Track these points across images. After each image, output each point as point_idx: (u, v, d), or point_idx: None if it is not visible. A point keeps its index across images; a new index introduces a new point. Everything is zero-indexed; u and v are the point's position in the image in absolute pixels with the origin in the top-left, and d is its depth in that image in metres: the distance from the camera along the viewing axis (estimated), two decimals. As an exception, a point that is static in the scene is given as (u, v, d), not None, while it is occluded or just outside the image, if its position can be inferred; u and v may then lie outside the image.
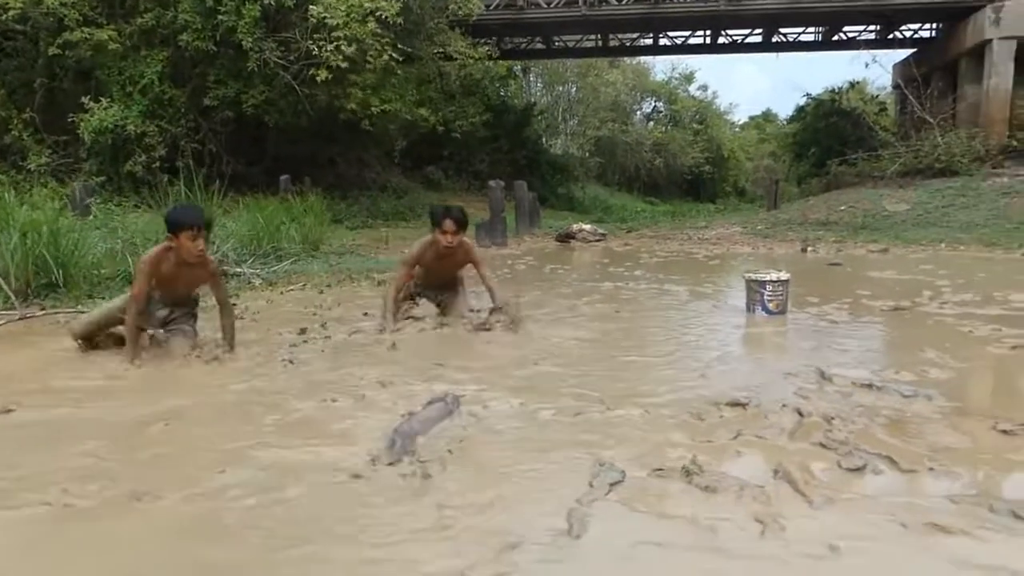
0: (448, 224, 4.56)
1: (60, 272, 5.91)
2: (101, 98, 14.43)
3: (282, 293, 6.68)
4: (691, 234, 14.45)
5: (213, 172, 15.90)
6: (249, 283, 7.22)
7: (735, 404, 2.95)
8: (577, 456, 2.45)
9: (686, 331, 4.75)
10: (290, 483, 2.24)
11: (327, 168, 18.35)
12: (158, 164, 14.65)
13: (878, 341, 4.31)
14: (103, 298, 6.04)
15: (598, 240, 13.51)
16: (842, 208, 14.90)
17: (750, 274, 5.34)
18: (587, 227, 13.87)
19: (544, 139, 32.82)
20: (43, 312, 5.11)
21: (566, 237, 13.66)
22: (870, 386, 3.19)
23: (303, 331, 4.70)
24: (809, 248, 10.83)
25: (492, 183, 13.70)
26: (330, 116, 16.27)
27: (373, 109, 15.60)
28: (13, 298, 5.10)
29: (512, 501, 2.12)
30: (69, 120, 14.47)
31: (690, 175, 38.18)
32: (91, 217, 10.41)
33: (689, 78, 41.18)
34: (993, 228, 12.11)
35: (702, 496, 2.13)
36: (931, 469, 2.27)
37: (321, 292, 6.78)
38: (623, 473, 2.27)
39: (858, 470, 2.27)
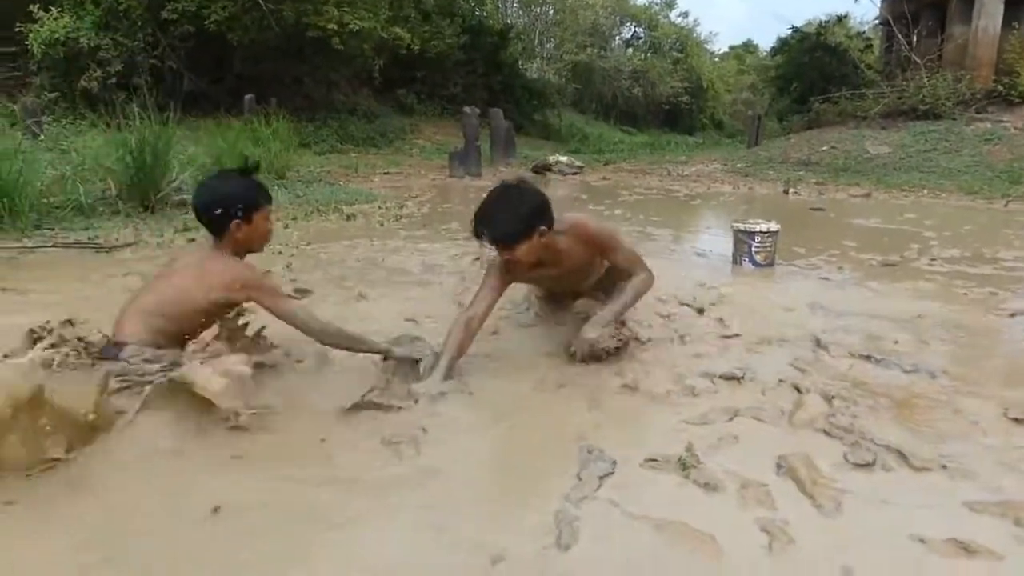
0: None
1: (4, 201, 5.49)
2: (51, 7, 13.50)
3: (244, 228, 6.30)
4: (670, 169, 14.14)
5: (173, 90, 15.15)
6: (210, 214, 6.82)
7: (729, 377, 2.77)
8: (561, 436, 2.24)
9: (670, 283, 4.53)
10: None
11: (294, 88, 17.56)
12: (114, 80, 13.86)
13: (871, 302, 4.11)
14: (51, 229, 5.68)
15: (574, 173, 13.19)
16: (824, 148, 14.66)
17: (738, 224, 5.11)
18: (563, 159, 13.51)
19: (520, 63, 31.88)
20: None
21: (542, 169, 13.31)
22: (868, 358, 3.01)
23: (266, 273, 4.40)
24: (792, 190, 10.63)
25: (467, 110, 13.20)
26: (298, 33, 15.48)
27: (352, 27, 14.90)
28: None
29: (491, 498, 1.91)
30: (16, 30, 13.55)
31: (668, 105, 37.46)
32: (40, 138, 9.86)
33: (671, 3, 39.98)
34: (975, 175, 11.98)
35: (701, 495, 1.94)
36: (944, 467, 2.09)
37: (286, 227, 6.43)
38: (614, 464, 2.07)
39: (867, 466, 2.09)
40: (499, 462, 2.10)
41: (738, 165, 14.27)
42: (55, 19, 13.28)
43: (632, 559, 1.67)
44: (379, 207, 7.89)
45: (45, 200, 6.05)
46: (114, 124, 6.89)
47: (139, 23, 14.37)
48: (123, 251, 5.11)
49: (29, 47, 13.39)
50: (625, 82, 35.79)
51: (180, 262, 2.65)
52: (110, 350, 2.33)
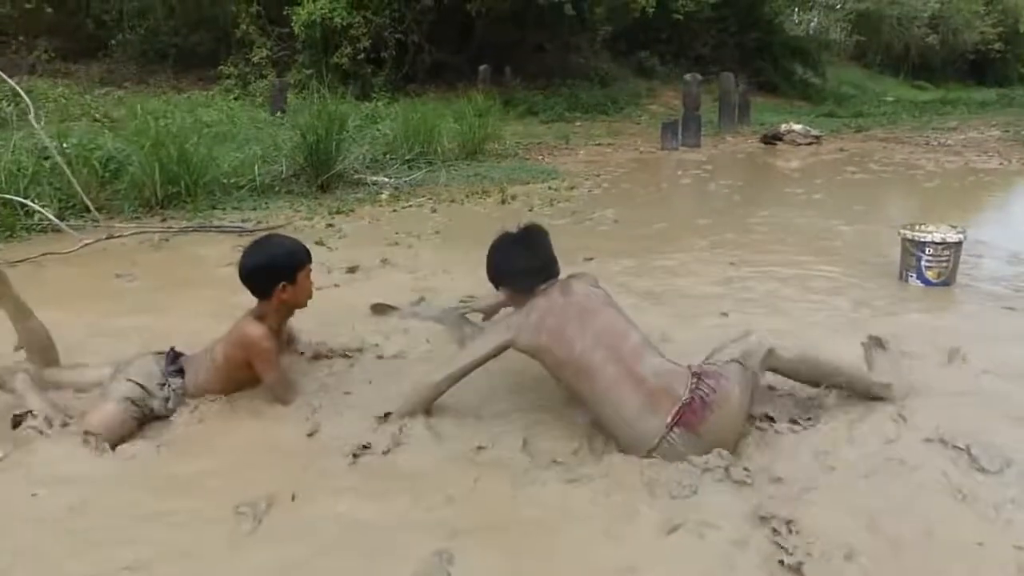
0: None
1: (184, 184, 6.08)
2: (313, -10, 14.82)
3: (395, 211, 6.40)
4: (931, 137, 12.00)
5: (416, 62, 16.01)
6: (379, 195, 7.02)
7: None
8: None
9: (793, 304, 3.72)
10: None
11: (532, 55, 17.66)
12: (363, 55, 14.95)
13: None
14: (223, 209, 6.20)
15: (809, 143, 11.70)
16: None
17: (906, 231, 4.08)
18: (797, 127, 12.04)
19: (795, 14, 29.28)
20: (131, 232, 5.22)
21: (772, 138, 12.01)
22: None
23: (352, 270, 4.39)
24: (1078, 166, 8.45)
25: (688, 77, 12.27)
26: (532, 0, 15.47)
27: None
28: (93, 211, 5.25)
29: None
30: (284, 13, 15.13)
31: (974, 54, 32.11)
32: (278, 114, 10.92)
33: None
34: None
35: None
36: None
37: (434, 211, 6.41)
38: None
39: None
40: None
41: (1023, 132, 11.68)
42: (313, 1, 14.57)
43: None
44: (549, 187, 7.59)
45: (228, 180, 6.61)
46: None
47: (387, 0, 15.25)
48: (262, 234, 5.40)
49: (293, 28, 14.87)
50: (919, 30, 31.20)
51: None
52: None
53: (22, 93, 5.26)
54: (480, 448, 2.25)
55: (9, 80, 5.35)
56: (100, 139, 6.34)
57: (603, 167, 9.36)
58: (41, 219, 5.12)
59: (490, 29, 16.74)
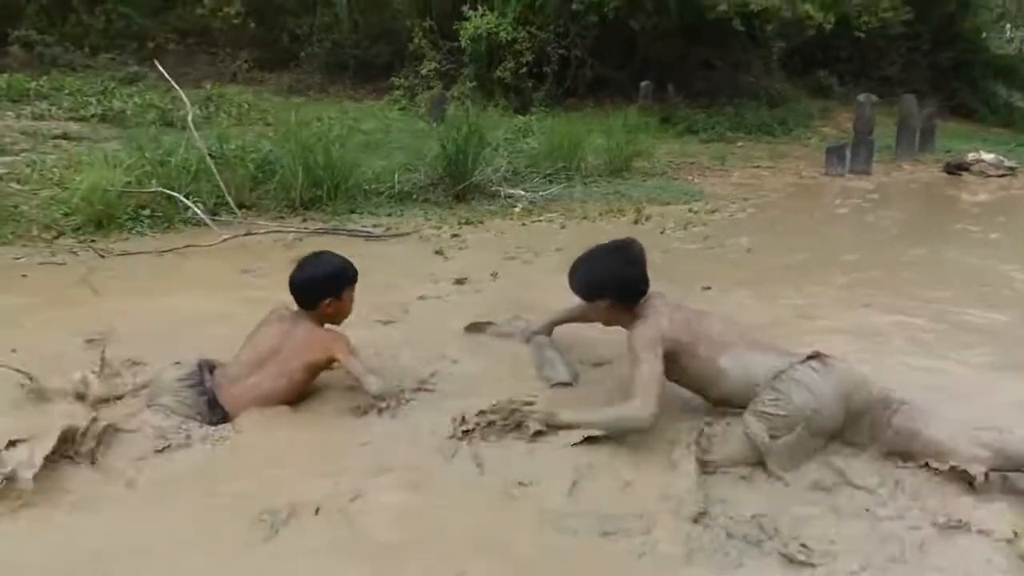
0: None
1: (326, 188, 6.37)
2: (480, 5, 15.23)
3: (523, 224, 6.37)
4: None
5: (577, 77, 16.02)
6: (512, 207, 7.02)
7: None
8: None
9: (924, 359, 3.27)
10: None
11: (699, 72, 17.13)
12: (525, 70, 15.15)
13: None
14: (360, 214, 6.44)
15: (1001, 175, 10.48)
16: None
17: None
18: (988, 156, 10.82)
19: (1008, 30, 26.55)
20: (265, 231, 5.50)
21: (957, 168, 10.88)
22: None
23: (460, 281, 4.39)
24: None
25: (862, 98, 11.46)
26: (700, 15, 15.03)
27: (752, 6, 14.08)
28: (235, 208, 5.57)
29: None
30: (455, 27, 15.66)
31: None
32: (435, 124, 11.28)
33: None
34: None
35: None
36: None
37: (563, 227, 6.32)
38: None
39: None
40: None
41: None
42: (481, 16, 14.97)
43: None
44: (689, 210, 7.27)
45: (369, 186, 6.86)
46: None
47: (551, 15, 15.40)
48: (389, 240, 5.57)
49: (460, 42, 15.36)
50: None
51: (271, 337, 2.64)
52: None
53: (184, 97, 5.78)
54: (521, 484, 2.12)
55: (175, 86, 5.92)
56: (260, 143, 6.80)
57: (755, 191, 8.87)
58: (194, 213, 5.54)
59: (655, 45, 16.44)
